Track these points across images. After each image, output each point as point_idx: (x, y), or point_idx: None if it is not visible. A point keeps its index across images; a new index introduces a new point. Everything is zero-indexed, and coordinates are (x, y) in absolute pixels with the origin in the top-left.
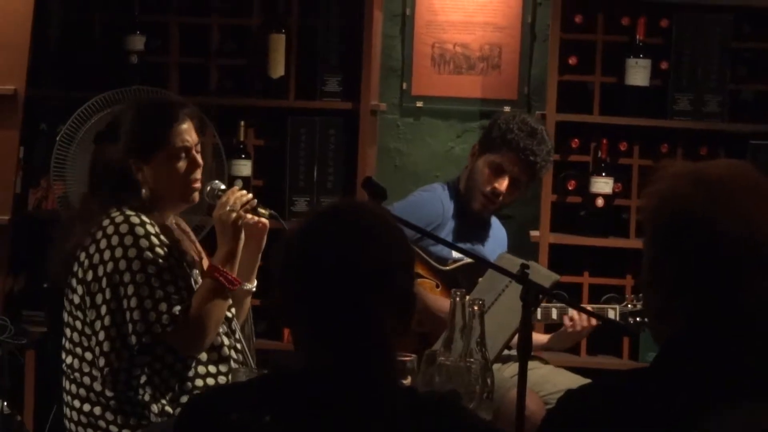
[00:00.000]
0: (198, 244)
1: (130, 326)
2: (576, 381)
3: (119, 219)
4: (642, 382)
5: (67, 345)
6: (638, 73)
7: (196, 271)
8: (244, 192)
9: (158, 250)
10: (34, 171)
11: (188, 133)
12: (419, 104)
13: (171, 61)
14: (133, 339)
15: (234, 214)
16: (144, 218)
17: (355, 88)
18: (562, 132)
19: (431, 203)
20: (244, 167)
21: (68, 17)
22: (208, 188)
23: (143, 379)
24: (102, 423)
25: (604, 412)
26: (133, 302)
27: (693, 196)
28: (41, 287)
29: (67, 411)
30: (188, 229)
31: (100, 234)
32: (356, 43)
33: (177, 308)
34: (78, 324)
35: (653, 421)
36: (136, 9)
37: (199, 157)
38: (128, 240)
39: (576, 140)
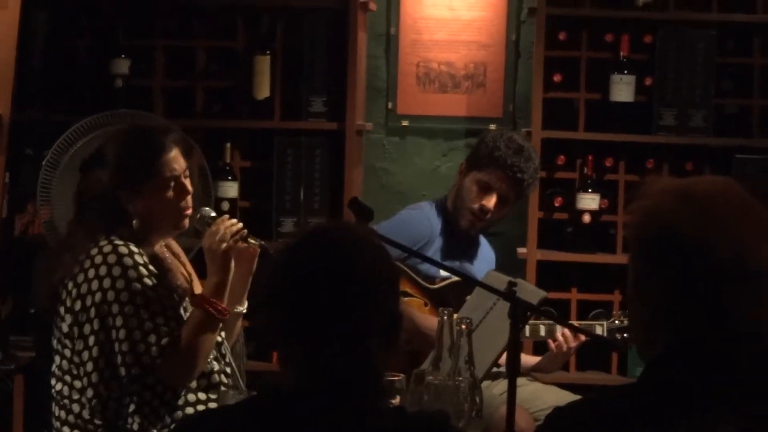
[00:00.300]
0: (188, 266)
1: (119, 357)
2: (565, 397)
3: (107, 249)
4: (629, 397)
5: (57, 372)
6: (623, 90)
7: (186, 301)
8: (234, 221)
9: (147, 280)
10: (20, 196)
11: (176, 161)
12: (405, 123)
13: (156, 84)
14: (123, 370)
15: (224, 245)
16: (132, 248)
17: (340, 108)
18: (547, 149)
19: (419, 221)
20: (231, 189)
21: (53, 41)
22: (198, 215)
23: (132, 408)
24: None
25: (593, 428)
26: (122, 334)
27: (679, 213)
28: (29, 312)
29: None
30: (179, 251)
31: (88, 263)
32: (341, 63)
33: (166, 340)
34: (67, 352)
35: None
36: (120, 33)
37: (188, 183)
38: (116, 271)
39: (562, 157)
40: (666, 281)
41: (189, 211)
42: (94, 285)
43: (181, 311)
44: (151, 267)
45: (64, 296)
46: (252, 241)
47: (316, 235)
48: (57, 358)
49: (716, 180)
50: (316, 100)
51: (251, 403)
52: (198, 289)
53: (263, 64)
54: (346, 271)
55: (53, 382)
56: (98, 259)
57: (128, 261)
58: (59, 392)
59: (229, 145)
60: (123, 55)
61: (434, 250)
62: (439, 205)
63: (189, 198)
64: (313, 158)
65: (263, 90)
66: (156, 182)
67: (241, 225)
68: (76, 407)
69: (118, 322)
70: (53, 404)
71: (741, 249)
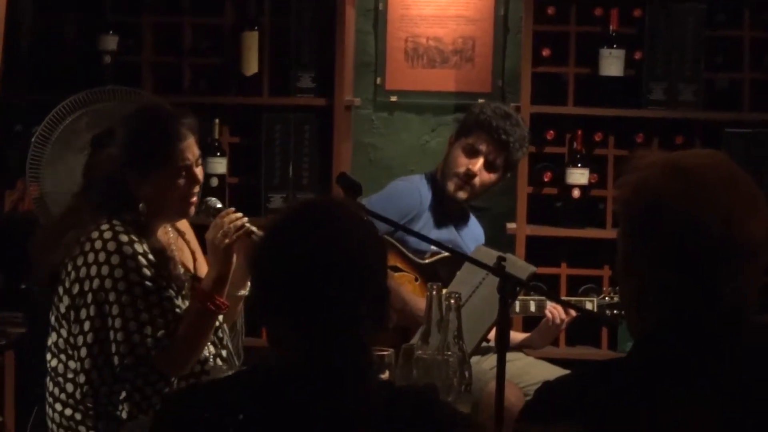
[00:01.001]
0: (193, 242)
1: (114, 346)
2: (555, 372)
3: (108, 235)
4: (619, 372)
5: (53, 348)
6: (612, 64)
7: (185, 290)
8: (239, 215)
9: (145, 271)
10: (9, 173)
11: (190, 149)
12: (393, 99)
13: (144, 60)
14: (116, 359)
15: (227, 240)
16: (133, 236)
17: (328, 83)
18: (537, 124)
19: (409, 193)
20: (220, 165)
21: (40, 18)
22: (204, 206)
23: (123, 394)
24: (82, 428)
25: (582, 402)
26: (118, 323)
27: (668, 186)
28: (19, 288)
29: (49, 411)
30: (185, 228)
31: (88, 246)
32: (329, 38)
33: (162, 332)
34: (63, 332)
35: (630, 411)
36: (108, 9)
37: (199, 173)
38: (115, 259)
39: (551, 132)
40: (654, 256)
41: (195, 200)
42: (93, 270)
43: (179, 301)
44: (150, 257)
45: (63, 276)
46: (255, 236)
47: (303, 211)
48: (54, 335)
49: (706, 153)
50: (304, 76)
51: (240, 377)
52: (202, 266)
53: (251, 40)
54: (333, 246)
55: (48, 356)
56: (98, 244)
57: (128, 250)
58: (54, 368)
59: (217, 121)
60: (111, 32)
61: (424, 224)
62: (429, 178)
63: (197, 187)
64: (302, 134)
65: (251, 66)
66: (168, 169)
67: (246, 219)
68: (69, 386)
69: (114, 310)
70: (47, 378)
71: (729, 223)
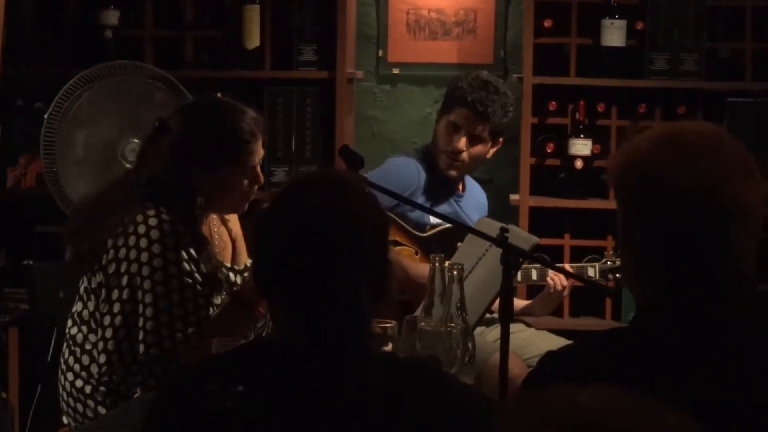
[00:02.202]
0: (237, 228)
1: (141, 333)
2: (559, 343)
3: (153, 222)
4: (621, 342)
5: (76, 316)
6: (614, 34)
7: (222, 285)
8: None
9: (185, 265)
10: (11, 149)
11: (258, 151)
12: (395, 71)
13: (146, 34)
14: (141, 347)
15: None
16: (178, 227)
17: (330, 56)
18: (539, 95)
19: (405, 169)
20: None
21: None
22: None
23: (139, 378)
24: (91, 402)
25: (584, 372)
26: (149, 312)
27: (658, 156)
28: (22, 264)
29: (61, 378)
30: (227, 216)
31: (131, 228)
32: (331, 11)
33: (192, 329)
34: (90, 305)
35: (632, 381)
36: None
37: (261, 175)
38: (156, 248)
39: (553, 103)
40: (649, 226)
41: (251, 197)
42: (132, 254)
43: (214, 299)
44: (192, 251)
45: (100, 252)
46: None
47: (305, 184)
48: (80, 304)
49: (695, 123)
50: (306, 49)
51: (241, 350)
52: (241, 254)
53: (253, 14)
54: (335, 219)
55: (70, 323)
56: (141, 229)
57: (170, 242)
58: (73, 337)
59: (219, 95)
60: (112, 6)
61: (423, 198)
62: (425, 152)
63: (256, 186)
64: (304, 107)
65: (253, 39)
66: (237, 168)
67: None
68: (85, 358)
69: (148, 299)
70: (65, 345)
71: (718, 186)
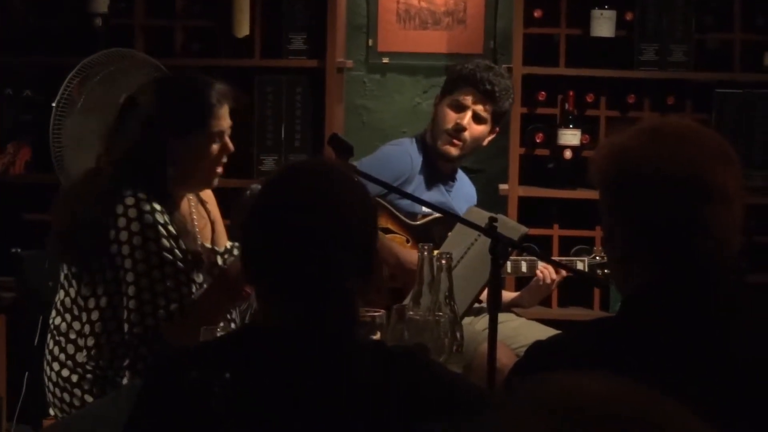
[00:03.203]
0: (214, 210)
1: (125, 312)
2: (547, 333)
3: (130, 201)
4: (609, 332)
5: (59, 306)
6: (603, 25)
7: (202, 261)
8: None
9: (164, 242)
10: (0, 136)
11: (225, 117)
12: (385, 60)
13: (136, 23)
14: (126, 326)
15: None
16: (155, 205)
17: (320, 45)
18: (528, 85)
19: (399, 157)
20: None
21: None
22: (249, 192)
23: (126, 362)
24: (78, 391)
25: (571, 361)
26: (131, 291)
27: (635, 148)
28: (10, 252)
29: (46, 369)
30: (207, 197)
31: (111, 220)
32: (321, 0)
33: (174, 305)
34: (72, 291)
35: (619, 370)
36: None
37: (230, 143)
38: (135, 227)
39: (543, 93)
40: (631, 216)
41: (221, 170)
42: (111, 235)
43: (195, 275)
44: (171, 228)
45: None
46: None
47: (294, 172)
48: (62, 293)
49: (673, 117)
50: (296, 38)
51: (230, 339)
52: (221, 236)
53: (243, 2)
54: (323, 207)
55: (53, 314)
56: (119, 209)
57: (148, 219)
58: (57, 327)
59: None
60: None
61: (415, 187)
62: (419, 140)
63: (226, 157)
64: (294, 96)
65: (243, 28)
66: (205, 132)
67: None
68: (70, 348)
69: (129, 278)
70: (49, 335)
71: (699, 168)
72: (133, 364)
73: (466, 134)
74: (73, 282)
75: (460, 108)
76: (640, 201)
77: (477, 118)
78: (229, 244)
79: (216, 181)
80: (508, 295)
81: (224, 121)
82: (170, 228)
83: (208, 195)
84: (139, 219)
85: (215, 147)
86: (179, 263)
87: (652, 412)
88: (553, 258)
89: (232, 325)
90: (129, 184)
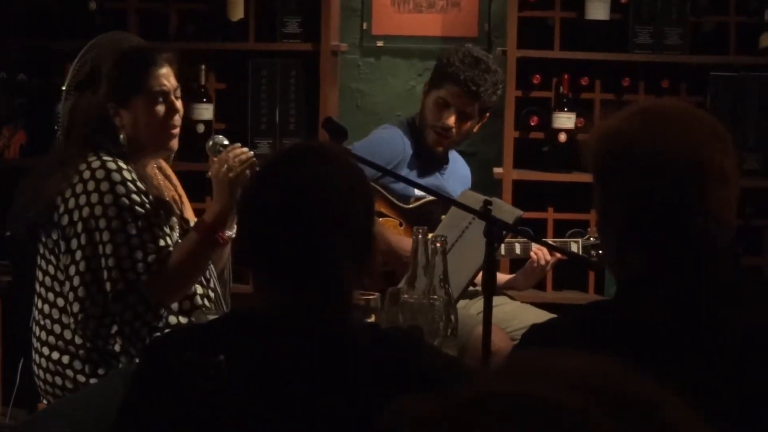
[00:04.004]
0: (179, 188)
1: (105, 272)
2: (542, 317)
3: (96, 164)
4: (607, 314)
5: (40, 290)
6: (598, 8)
7: (174, 219)
8: (245, 150)
9: (135, 196)
10: None
11: (167, 77)
12: (380, 44)
13: (130, 6)
14: (108, 285)
15: (231, 174)
16: (121, 164)
17: (315, 28)
18: (523, 68)
19: (391, 141)
20: (206, 111)
21: None
22: (211, 142)
23: (114, 328)
24: (70, 372)
25: (569, 344)
26: (108, 249)
27: (630, 128)
28: (5, 235)
29: (36, 357)
30: (170, 173)
31: (76, 179)
32: None
33: (152, 257)
34: (51, 269)
35: (617, 353)
36: None
37: (177, 103)
38: (104, 186)
39: (537, 76)
40: (627, 201)
41: (176, 131)
42: (82, 200)
43: (167, 229)
44: (139, 184)
45: (51, 211)
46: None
47: (290, 156)
48: (40, 275)
49: (669, 99)
50: (290, 21)
51: (224, 321)
52: (189, 213)
53: None
54: (320, 190)
55: (36, 300)
56: (86, 174)
57: (116, 176)
58: (41, 311)
59: (203, 67)
60: None
61: (407, 170)
62: (410, 124)
63: (177, 117)
64: (288, 79)
65: (237, 11)
66: (144, 95)
67: (251, 154)
68: (57, 327)
69: (105, 237)
70: (34, 324)
71: (697, 150)
72: (121, 330)
73: (452, 132)
74: (51, 258)
75: (445, 106)
76: (636, 184)
77: (463, 116)
78: (195, 219)
79: (173, 143)
80: (502, 277)
81: (166, 80)
82: (138, 184)
83: (171, 172)
84: (107, 178)
85: (160, 108)
86: (152, 217)
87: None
88: (545, 240)
89: (211, 284)
90: (91, 149)
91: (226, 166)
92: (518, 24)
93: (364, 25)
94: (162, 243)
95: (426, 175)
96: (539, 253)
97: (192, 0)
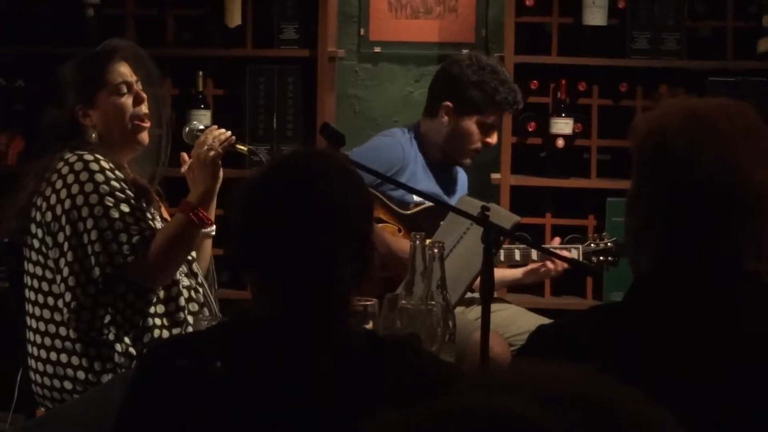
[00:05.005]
0: (154, 194)
1: (93, 259)
2: (540, 322)
3: (73, 159)
4: (615, 315)
5: (29, 294)
6: (596, 13)
7: (153, 209)
8: (223, 130)
9: (114, 183)
10: None
11: (125, 71)
12: (377, 50)
13: (127, 12)
14: (97, 271)
15: (212, 153)
16: (98, 156)
17: (312, 35)
18: (520, 73)
19: (392, 148)
20: (203, 117)
21: None
22: (187, 129)
23: (107, 318)
24: (69, 371)
25: (578, 345)
26: (93, 235)
27: (679, 130)
28: (2, 242)
29: (32, 363)
30: (145, 184)
31: (55, 176)
32: None
33: (137, 238)
34: (38, 270)
35: (626, 355)
36: None
37: (142, 92)
38: (84, 176)
39: (535, 81)
40: (656, 194)
41: (146, 123)
42: (63, 193)
43: (149, 215)
44: (117, 172)
45: (33, 213)
46: (240, 146)
47: (288, 162)
48: (28, 279)
49: (728, 102)
50: (287, 27)
51: (222, 327)
52: (165, 215)
53: None
54: (319, 196)
55: (26, 306)
56: (65, 170)
57: (94, 166)
58: (32, 315)
59: (201, 73)
60: None
61: (407, 177)
62: (412, 131)
63: (144, 106)
64: (286, 86)
65: (235, 17)
66: (107, 90)
67: (229, 133)
68: (51, 327)
69: (89, 224)
70: (27, 330)
71: (735, 172)
72: (114, 320)
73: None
74: (39, 258)
75: (492, 129)
76: (668, 183)
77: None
78: None
79: (143, 136)
80: (512, 273)
81: (126, 72)
82: (117, 173)
83: (143, 183)
84: (86, 168)
85: (126, 99)
86: (133, 201)
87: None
88: (544, 246)
89: (198, 279)
90: (67, 148)
91: (206, 146)
92: (515, 29)
93: (362, 31)
94: (145, 225)
95: (426, 181)
96: (553, 265)
97: (189, 6)
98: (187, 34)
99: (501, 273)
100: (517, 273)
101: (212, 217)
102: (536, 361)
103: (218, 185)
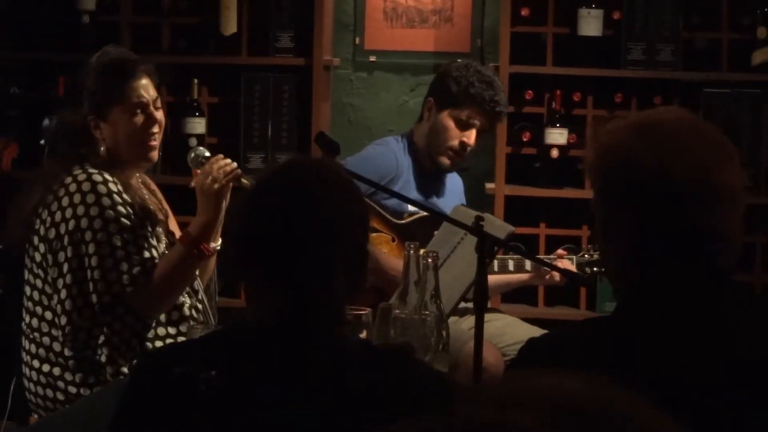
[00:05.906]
0: (165, 203)
1: (91, 285)
2: (533, 332)
3: (82, 177)
4: (606, 328)
5: (27, 304)
6: (591, 24)
7: (159, 230)
8: (228, 161)
9: (120, 208)
10: None
11: (145, 89)
12: (372, 59)
13: (123, 20)
14: (94, 298)
15: (216, 185)
16: (107, 176)
17: (307, 43)
18: (515, 84)
19: (385, 157)
20: (198, 125)
21: None
22: (192, 155)
23: (102, 339)
24: (61, 383)
25: (567, 358)
26: (94, 261)
27: (634, 145)
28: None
29: (26, 371)
30: (155, 188)
31: (62, 192)
32: None
33: (138, 269)
34: (38, 283)
35: (616, 368)
36: None
37: (157, 114)
38: (90, 198)
39: (530, 92)
40: (631, 215)
41: (155, 142)
42: (68, 212)
43: (154, 241)
44: (125, 195)
45: (37, 226)
46: (245, 181)
47: (283, 171)
48: (28, 290)
49: (669, 109)
50: (283, 36)
51: (216, 336)
52: (173, 226)
53: (230, 0)
54: (314, 205)
55: (24, 314)
56: (72, 187)
57: (102, 189)
58: (29, 325)
59: (196, 81)
60: None
61: (401, 185)
62: (405, 139)
63: (156, 127)
64: (281, 94)
65: (230, 26)
66: (123, 106)
67: (235, 165)
68: (46, 340)
69: (91, 249)
70: (23, 338)
71: (706, 169)
72: (109, 340)
73: (468, 149)
74: (39, 272)
75: (467, 126)
76: (645, 200)
77: (479, 133)
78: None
79: (153, 155)
80: (520, 275)
81: (143, 91)
82: (124, 196)
83: (156, 187)
84: (93, 190)
85: (138, 119)
86: (138, 229)
87: (613, 409)
88: (539, 257)
89: (199, 296)
90: (75, 162)
91: (210, 177)
92: (511, 39)
93: (357, 40)
94: (147, 255)
95: (420, 190)
96: (556, 276)
97: (185, 14)
98: (183, 42)
99: (507, 275)
100: (523, 276)
101: (217, 242)
102: (542, 373)
103: (221, 216)
